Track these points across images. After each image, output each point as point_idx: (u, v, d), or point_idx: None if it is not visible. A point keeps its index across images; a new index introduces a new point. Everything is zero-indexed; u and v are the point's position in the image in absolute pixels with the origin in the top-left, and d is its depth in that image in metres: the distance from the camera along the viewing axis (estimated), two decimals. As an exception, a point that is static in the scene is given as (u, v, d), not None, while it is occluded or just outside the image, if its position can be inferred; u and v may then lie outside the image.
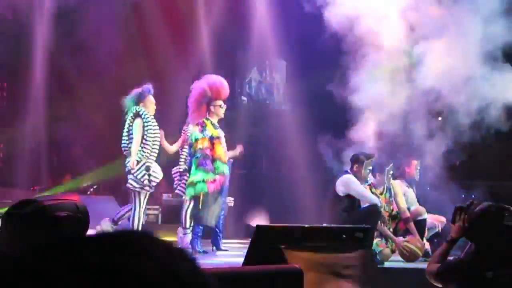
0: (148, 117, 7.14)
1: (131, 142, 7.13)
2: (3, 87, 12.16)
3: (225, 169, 7.27)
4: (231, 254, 7.00)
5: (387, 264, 6.47)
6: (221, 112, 7.45)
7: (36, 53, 11.72)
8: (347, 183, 7.10)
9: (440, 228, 7.80)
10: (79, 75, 11.58)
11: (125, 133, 7.18)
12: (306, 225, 6.01)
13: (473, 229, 3.21)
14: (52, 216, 3.59)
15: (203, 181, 7.07)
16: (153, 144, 7.09)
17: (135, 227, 7.04)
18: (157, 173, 7.21)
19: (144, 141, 7.02)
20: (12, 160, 11.48)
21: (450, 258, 3.61)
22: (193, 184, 7.09)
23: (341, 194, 7.11)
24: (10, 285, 0.55)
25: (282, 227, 4.95)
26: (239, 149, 7.97)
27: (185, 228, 7.27)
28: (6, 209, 3.81)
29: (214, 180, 7.09)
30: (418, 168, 7.90)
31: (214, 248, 7.37)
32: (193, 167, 7.12)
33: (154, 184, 7.25)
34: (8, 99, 12.34)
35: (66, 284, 0.54)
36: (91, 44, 11.16)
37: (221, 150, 7.23)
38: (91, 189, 9.67)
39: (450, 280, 3.28)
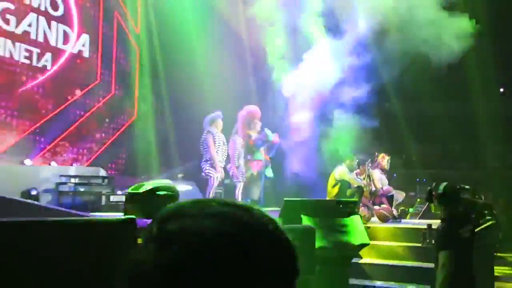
0: (216, 134, 7.22)
1: (205, 148, 7.21)
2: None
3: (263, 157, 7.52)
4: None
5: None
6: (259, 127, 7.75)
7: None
8: (342, 171, 7.51)
9: (401, 200, 8.25)
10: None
11: (202, 141, 7.32)
12: (317, 199, 6.62)
13: (442, 202, 3.26)
14: (155, 195, 4.23)
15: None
16: (218, 151, 7.23)
17: None
18: (222, 167, 7.30)
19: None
20: (132, 156, 11.20)
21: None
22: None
23: (337, 178, 7.53)
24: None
25: (301, 200, 5.61)
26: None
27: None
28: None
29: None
30: (389, 161, 8.23)
31: None
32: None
33: (219, 173, 7.26)
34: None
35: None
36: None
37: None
38: (180, 176, 9.32)
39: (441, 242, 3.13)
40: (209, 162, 7.10)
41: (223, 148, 7.28)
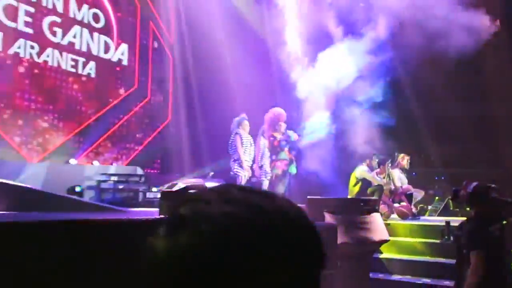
0: (243, 135, 7.28)
1: (233, 149, 7.26)
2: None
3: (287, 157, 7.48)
4: None
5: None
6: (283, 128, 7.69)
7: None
8: (362, 171, 7.46)
9: (420, 198, 8.12)
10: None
11: (230, 142, 7.36)
12: (338, 197, 6.57)
13: (471, 201, 3.06)
14: (187, 193, 4.30)
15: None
16: (245, 151, 7.29)
17: None
18: (248, 166, 7.38)
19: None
20: (166, 155, 11.32)
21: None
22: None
23: (358, 177, 7.47)
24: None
25: (323, 199, 5.59)
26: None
27: None
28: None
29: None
30: (409, 161, 8.11)
31: None
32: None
33: (247, 173, 7.33)
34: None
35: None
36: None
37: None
38: (211, 175, 9.46)
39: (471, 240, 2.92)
40: (237, 161, 7.17)
41: (250, 149, 7.34)
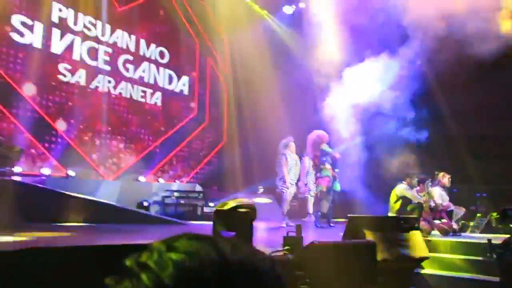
0: (289, 156, 7.19)
1: (279, 168, 7.19)
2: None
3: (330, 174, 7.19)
4: (337, 229, 6.38)
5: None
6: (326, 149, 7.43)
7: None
8: (402, 188, 7.05)
9: (461, 214, 7.55)
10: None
11: (277, 162, 7.26)
12: (379, 215, 6.23)
13: None
14: (237, 211, 4.20)
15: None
16: (290, 170, 7.19)
17: (285, 211, 7.04)
18: (293, 184, 7.22)
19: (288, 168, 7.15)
20: (222, 174, 11.31)
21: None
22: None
23: (398, 195, 7.07)
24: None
25: (363, 216, 5.29)
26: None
27: (309, 213, 7.44)
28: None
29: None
30: (450, 179, 7.54)
31: (328, 225, 7.13)
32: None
33: (291, 189, 7.19)
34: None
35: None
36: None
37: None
38: (261, 191, 9.52)
39: None
40: (282, 180, 7.09)
41: (295, 168, 7.22)
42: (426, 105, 8.44)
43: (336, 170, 7.48)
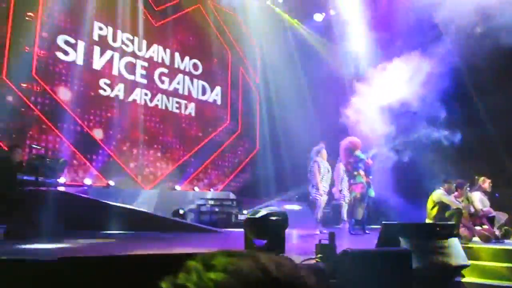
0: (321, 163, 7.10)
1: (312, 175, 7.06)
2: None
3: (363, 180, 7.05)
4: (372, 236, 6.14)
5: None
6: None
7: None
8: (439, 194, 6.80)
9: (504, 220, 7.15)
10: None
11: (309, 169, 7.14)
12: (415, 222, 6.02)
13: None
14: (268, 219, 4.20)
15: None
16: (323, 178, 7.06)
17: (318, 218, 6.96)
18: (326, 191, 7.10)
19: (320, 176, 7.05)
20: (255, 181, 11.33)
21: None
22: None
23: (435, 201, 6.81)
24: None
25: (398, 223, 5.13)
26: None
27: (344, 220, 7.30)
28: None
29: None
30: (491, 184, 7.23)
31: (363, 231, 6.97)
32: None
33: (325, 197, 7.09)
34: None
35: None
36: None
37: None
38: (295, 198, 9.41)
39: None
40: (314, 187, 7.01)
41: (328, 175, 7.12)
42: (459, 105, 8.07)
43: (370, 176, 7.35)
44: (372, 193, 7.37)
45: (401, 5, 8.70)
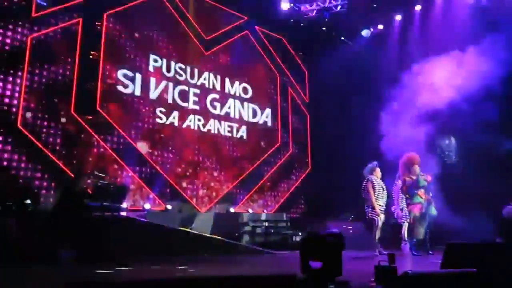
0: (375, 181, 6.90)
1: (366, 194, 6.87)
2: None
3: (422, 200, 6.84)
4: (435, 257, 5.89)
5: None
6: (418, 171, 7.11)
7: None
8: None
9: None
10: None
11: (363, 188, 6.97)
12: (483, 242, 5.59)
13: None
14: (324, 241, 4.09)
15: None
16: (378, 196, 6.85)
17: (376, 239, 6.70)
18: (383, 210, 6.86)
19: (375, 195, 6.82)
20: (309, 201, 11.32)
21: None
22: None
23: (507, 218, 6.35)
24: None
25: (465, 243, 4.80)
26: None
27: (404, 240, 6.96)
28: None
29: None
30: None
31: (425, 252, 6.73)
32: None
33: (382, 216, 6.82)
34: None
35: None
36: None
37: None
38: (351, 218, 9.34)
39: None
40: (370, 206, 6.80)
41: (383, 193, 6.88)
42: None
43: (430, 193, 7.02)
44: (433, 211, 7.04)
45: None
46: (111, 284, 1.69)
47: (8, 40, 7.70)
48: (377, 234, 6.72)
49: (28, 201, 5.70)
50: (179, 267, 4.60)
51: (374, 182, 6.83)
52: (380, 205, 6.79)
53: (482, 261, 4.01)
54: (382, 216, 6.77)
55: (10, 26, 7.75)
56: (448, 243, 4.52)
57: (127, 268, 4.47)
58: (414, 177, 7.04)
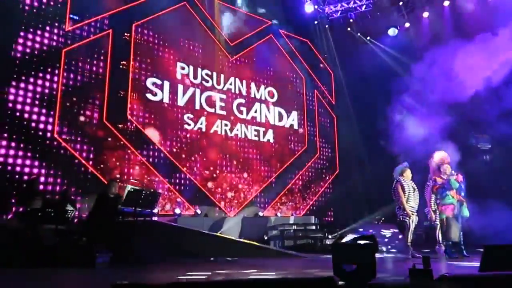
0: (404, 183, 6.68)
1: (396, 196, 6.66)
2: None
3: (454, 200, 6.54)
4: (472, 260, 5.78)
5: None
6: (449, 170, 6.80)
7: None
8: None
9: None
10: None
11: (393, 189, 6.77)
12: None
13: None
14: (357, 243, 4.00)
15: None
16: (409, 198, 6.61)
17: (409, 241, 6.46)
18: (414, 211, 6.60)
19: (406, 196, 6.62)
20: (338, 205, 11.08)
21: None
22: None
23: None
24: None
25: (505, 245, 4.58)
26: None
27: (439, 242, 6.73)
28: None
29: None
30: None
31: (460, 255, 6.32)
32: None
33: (414, 217, 6.55)
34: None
35: None
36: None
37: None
38: (381, 221, 9.28)
39: None
40: (401, 208, 6.59)
41: (415, 195, 6.66)
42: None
43: (462, 193, 6.76)
44: (466, 212, 6.75)
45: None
46: (157, 286, 1.74)
47: (44, 54, 8.02)
48: (409, 237, 6.52)
49: (70, 208, 5.91)
50: (216, 271, 4.64)
51: (403, 183, 6.64)
52: (411, 206, 6.59)
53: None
54: (414, 218, 6.57)
55: (46, 42, 8.07)
56: (486, 245, 4.34)
57: (162, 270, 4.55)
58: (445, 177, 6.81)
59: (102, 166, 8.33)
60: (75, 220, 6.64)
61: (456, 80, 8.60)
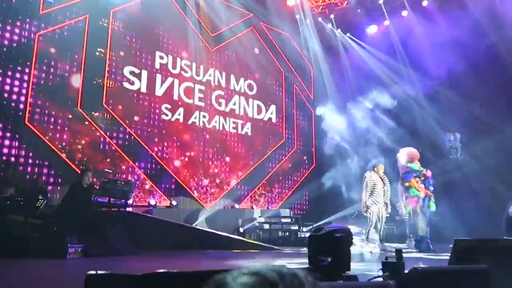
0: (371, 177, 6.73)
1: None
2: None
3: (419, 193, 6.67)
4: (441, 253, 5.92)
5: None
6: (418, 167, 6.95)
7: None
8: None
9: None
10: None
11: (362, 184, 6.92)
12: (493, 238, 5.51)
13: None
14: (332, 236, 4.04)
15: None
16: (373, 191, 6.70)
17: (370, 235, 6.56)
18: (376, 205, 6.69)
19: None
20: (312, 198, 11.26)
21: None
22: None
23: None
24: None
25: (474, 240, 4.74)
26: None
27: (409, 236, 6.91)
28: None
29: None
30: None
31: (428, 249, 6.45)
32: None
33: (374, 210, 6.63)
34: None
35: None
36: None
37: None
38: (354, 215, 9.12)
39: None
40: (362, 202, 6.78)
41: (378, 190, 6.68)
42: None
43: (430, 188, 6.92)
44: (432, 206, 6.91)
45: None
46: (134, 276, 1.68)
47: (16, 37, 7.70)
48: (370, 231, 6.60)
49: (40, 197, 5.70)
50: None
51: (370, 178, 6.71)
52: (376, 201, 6.64)
53: (491, 258, 3.98)
54: (375, 210, 6.62)
55: (18, 23, 7.75)
56: (457, 239, 4.49)
57: (136, 261, 4.46)
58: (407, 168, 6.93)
59: (75, 154, 8.09)
60: (46, 210, 6.43)
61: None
